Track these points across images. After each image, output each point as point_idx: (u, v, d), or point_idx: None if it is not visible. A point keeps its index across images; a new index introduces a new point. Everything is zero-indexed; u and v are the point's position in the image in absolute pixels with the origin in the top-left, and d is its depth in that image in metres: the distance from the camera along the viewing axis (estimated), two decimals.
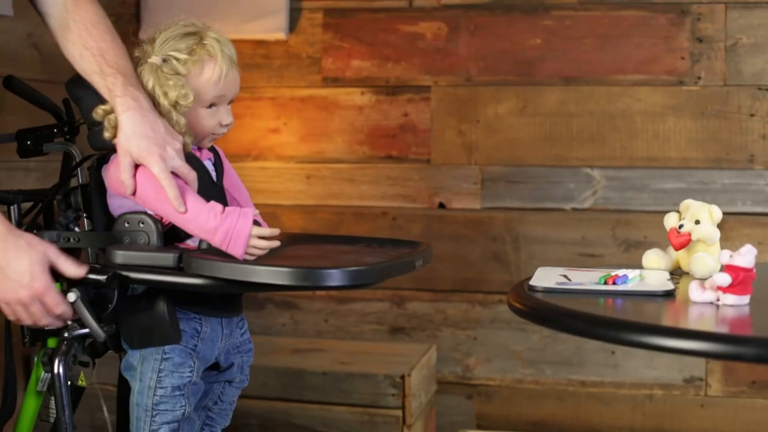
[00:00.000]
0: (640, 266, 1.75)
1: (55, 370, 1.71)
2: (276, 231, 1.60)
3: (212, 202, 1.60)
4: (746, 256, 1.42)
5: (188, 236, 1.68)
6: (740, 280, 1.41)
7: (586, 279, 1.63)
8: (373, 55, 3.11)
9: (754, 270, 1.43)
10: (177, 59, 1.68)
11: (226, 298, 1.74)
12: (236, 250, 1.57)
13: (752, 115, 2.90)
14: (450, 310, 3.09)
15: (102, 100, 1.70)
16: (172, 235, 1.68)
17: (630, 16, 2.96)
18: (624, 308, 1.51)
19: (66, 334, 1.71)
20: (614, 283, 1.58)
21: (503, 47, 3.04)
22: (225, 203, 1.76)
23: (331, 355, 2.88)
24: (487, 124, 3.05)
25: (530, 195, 3.03)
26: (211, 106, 1.72)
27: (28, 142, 1.96)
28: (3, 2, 2.68)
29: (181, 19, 1.76)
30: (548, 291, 1.57)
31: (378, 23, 3.12)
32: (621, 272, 1.61)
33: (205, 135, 1.74)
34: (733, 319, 1.39)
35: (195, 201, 1.61)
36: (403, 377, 2.65)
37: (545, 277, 1.65)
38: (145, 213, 1.66)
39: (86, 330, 1.67)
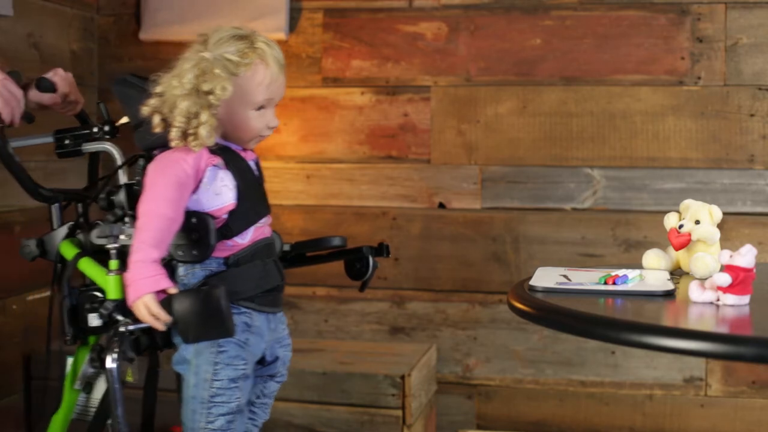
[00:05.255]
0: (640, 266, 1.75)
1: (108, 366, 1.72)
2: (167, 319, 1.65)
3: (152, 250, 1.65)
4: (746, 256, 1.42)
5: (237, 233, 1.74)
6: (740, 280, 1.41)
7: (586, 279, 1.63)
8: (373, 55, 3.11)
9: (754, 270, 1.43)
10: (230, 60, 1.72)
11: (272, 293, 1.80)
12: (128, 297, 1.67)
13: (752, 115, 2.90)
14: (450, 310, 3.09)
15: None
16: (220, 234, 1.73)
17: (630, 16, 2.96)
18: (624, 308, 1.51)
19: (122, 329, 1.73)
20: (614, 283, 1.58)
21: (503, 47, 3.04)
22: (267, 204, 1.83)
23: (331, 355, 2.88)
24: (487, 124, 3.05)
25: (530, 195, 3.03)
26: (259, 108, 1.76)
27: (66, 142, 1.96)
28: (3, 2, 2.68)
29: (228, 25, 1.79)
30: (548, 291, 1.57)
31: (378, 23, 3.12)
32: (621, 272, 1.61)
33: (252, 136, 1.79)
34: (733, 319, 1.39)
35: (150, 231, 1.65)
36: (403, 377, 2.65)
37: (545, 277, 1.66)
38: (197, 211, 1.70)
39: (144, 324, 1.69)
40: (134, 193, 1.81)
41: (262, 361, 1.85)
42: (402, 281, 3.10)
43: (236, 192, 1.73)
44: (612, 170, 2.98)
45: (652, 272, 1.70)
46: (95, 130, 1.96)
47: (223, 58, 1.71)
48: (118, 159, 1.94)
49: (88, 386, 1.87)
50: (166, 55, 3.44)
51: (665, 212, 1.78)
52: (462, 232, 3.07)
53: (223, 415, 1.74)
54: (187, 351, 1.76)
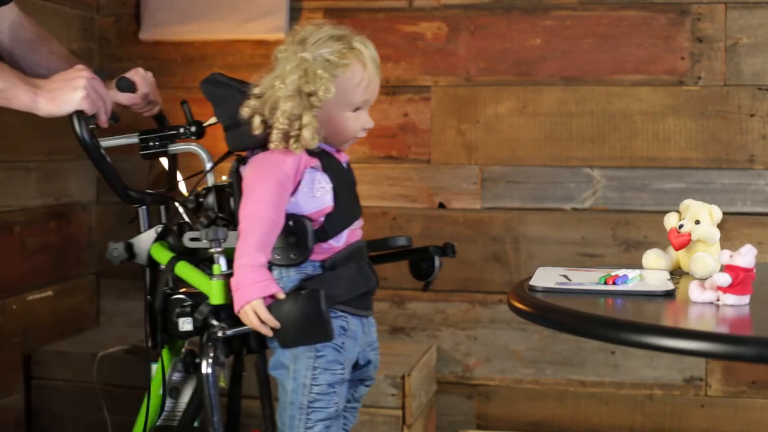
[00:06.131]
0: (640, 266, 1.75)
1: (204, 371, 1.69)
2: (276, 324, 1.62)
3: (259, 254, 1.62)
4: (746, 256, 1.42)
5: (332, 235, 1.72)
6: (740, 280, 1.41)
7: (586, 279, 1.63)
8: None
9: (754, 270, 1.43)
10: (329, 61, 1.69)
11: (366, 296, 1.78)
12: (235, 302, 1.64)
13: (752, 115, 2.90)
14: (450, 310, 3.09)
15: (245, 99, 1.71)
16: (315, 236, 1.70)
17: (630, 16, 2.96)
18: (624, 308, 1.51)
19: (219, 334, 1.70)
20: (614, 283, 1.58)
21: (503, 47, 3.04)
22: (360, 206, 1.81)
23: None
24: (487, 124, 3.05)
25: (530, 195, 3.03)
26: (356, 109, 1.75)
27: (151, 143, 1.92)
28: None
29: (323, 23, 1.76)
30: (548, 291, 1.57)
31: (378, 23, 3.12)
32: (621, 272, 1.61)
33: (348, 138, 1.78)
34: (733, 319, 1.39)
35: (255, 235, 1.62)
36: (403, 377, 2.65)
37: (545, 277, 1.66)
38: (294, 213, 1.68)
39: (243, 328, 1.67)
40: (224, 196, 1.79)
41: (355, 365, 1.81)
42: (402, 281, 3.09)
43: (333, 194, 1.71)
44: (612, 170, 2.98)
45: (652, 272, 1.70)
46: (181, 131, 1.92)
47: (323, 58, 1.69)
48: (206, 160, 1.90)
49: (174, 392, 1.84)
50: (167, 55, 3.45)
51: (665, 212, 1.78)
52: (462, 232, 3.07)
53: (321, 420, 1.71)
54: (284, 356, 1.72)
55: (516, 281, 1.75)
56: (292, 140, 1.67)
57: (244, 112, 1.69)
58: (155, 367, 1.89)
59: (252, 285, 1.61)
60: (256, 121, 1.68)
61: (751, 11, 2.89)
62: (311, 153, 1.70)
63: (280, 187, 1.65)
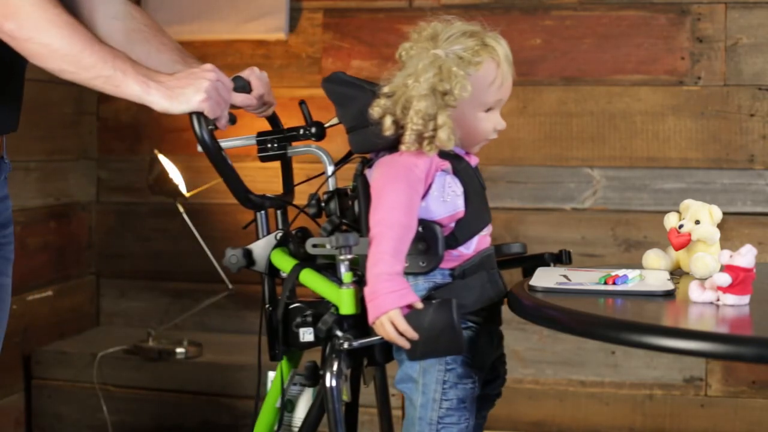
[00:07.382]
0: (640, 266, 1.75)
1: (328, 384, 1.61)
2: (414, 336, 1.53)
3: (394, 261, 1.52)
4: (746, 256, 1.42)
5: (462, 242, 1.63)
6: (740, 280, 1.41)
7: (586, 279, 1.63)
8: (373, 55, 3.11)
9: (754, 270, 1.43)
10: (461, 58, 1.63)
11: (496, 306, 1.69)
12: (370, 313, 1.54)
13: (752, 115, 2.90)
14: None
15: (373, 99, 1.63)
16: (445, 243, 1.62)
17: (630, 16, 2.96)
18: (624, 308, 1.51)
19: (346, 345, 1.61)
20: (614, 283, 1.58)
21: None
22: (490, 212, 1.71)
23: None
24: None
25: (530, 195, 3.03)
26: (488, 110, 1.68)
27: (269, 145, 1.84)
28: None
29: (452, 18, 1.70)
30: (548, 291, 1.57)
31: (378, 23, 3.11)
32: (621, 272, 1.61)
33: (480, 140, 1.70)
34: (733, 319, 1.39)
35: (389, 241, 1.54)
36: None
37: (545, 277, 1.66)
38: (423, 219, 1.59)
39: (371, 339, 1.59)
40: (346, 200, 1.71)
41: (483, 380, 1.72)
42: None
43: (464, 198, 1.63)
44: (612, 170, 2.98)
45: (652, 272, 1.70)
46: (301, 132, 1.85)
47: (456, 56, 1.63)
48: (327, 163, 1.82)
49: (289, 405, 1.77)
50: None
51: (665, 212, 1.77)
52: None
53: None
54: (412, 369, 1.64)
55: (516, 281, 1.75)
56: (425, 141, 1.58)
57: (375, 112, 1.61)
58: (270, 379, 1.81)
59: (389, 294, 1.51)
60: (388, 121, 1.60)
61: (751, 11, 2.89)
62: (442, 155, 1.62)
63: (411, 191, 1.57)
